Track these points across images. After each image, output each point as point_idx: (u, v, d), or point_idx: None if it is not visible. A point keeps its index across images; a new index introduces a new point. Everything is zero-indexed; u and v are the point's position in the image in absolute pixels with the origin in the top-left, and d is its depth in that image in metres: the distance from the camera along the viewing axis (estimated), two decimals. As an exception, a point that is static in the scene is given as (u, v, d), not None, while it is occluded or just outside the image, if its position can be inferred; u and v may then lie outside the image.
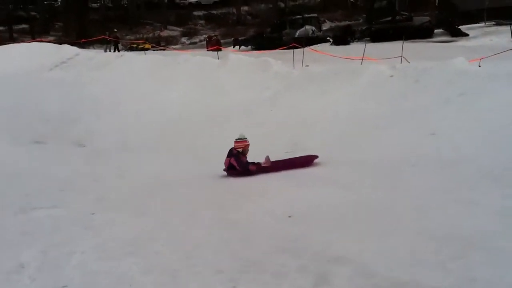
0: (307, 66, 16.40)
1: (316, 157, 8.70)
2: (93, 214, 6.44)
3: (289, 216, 5.91)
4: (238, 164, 8.51)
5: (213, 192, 7.84)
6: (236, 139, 8.86)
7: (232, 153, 8.67)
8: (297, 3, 62.04)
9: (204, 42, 36.87)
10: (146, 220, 6.38)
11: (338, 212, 5.95)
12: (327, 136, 10.42)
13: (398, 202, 6.16)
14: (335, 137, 10.30)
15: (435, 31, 27.83)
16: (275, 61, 16.66)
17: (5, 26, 57.54)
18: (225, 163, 8.70)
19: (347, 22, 44.27)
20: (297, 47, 19.11)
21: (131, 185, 8.36)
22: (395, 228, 5.23)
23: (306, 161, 8.64)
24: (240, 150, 8.71)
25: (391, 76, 12.91)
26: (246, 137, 8.86)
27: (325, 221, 5.67)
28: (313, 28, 32.93)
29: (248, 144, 8.77)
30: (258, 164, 8.60)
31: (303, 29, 31.81)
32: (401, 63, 14.28)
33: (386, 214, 5.70)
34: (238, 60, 17.74)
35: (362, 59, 15.57)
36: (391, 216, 5.63)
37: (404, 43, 15.68)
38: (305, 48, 18.51)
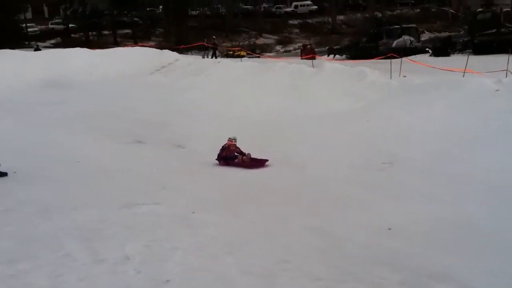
0: (405, 76, 15.99)
1: (267, 160, 10.30)
2: (193, 213, 6.65)
3: (389, 229, 5.77)
4: (219, 153, 10.58)
5: (307, 200, 7.83)
6: (229, 138, 10.74)
7: (223, 146, 10.67)
8: (394, 13, 60.76)
9: (299, 51, 37.04)
10: (240, 222, 6.50)
11: (439, 227, 5.75)
12: (426, 148, 10.07)
13: (504, 221, 5.84)
14: (434, 149, 9.94)
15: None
16: (371, 70, 16.40)
17: (110, 31, 60.93)
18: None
19: (447, 33, 42.76)
20: (394, 57, 18.71)
21: (227, 188, 8.55)
22: (501, 248, 4.97)
23: (257, 164, 10.27)
24: (226, 146, 10.61)
25: (497, 90, 12.30)
26: (236, 138, 10.75)
27: (425, 236, 5.50)
28: (411, 38, 32.11)
29: (234, 145, 10.63)
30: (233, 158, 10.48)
31: (401, 39, 31.14)
32: (506, 77, 13.57)
33: (491, 233, 5.43)
34: (333, 69, 17.64)
35: (464, 72, 14.94)
36: (497, 235, 5.36)
37: (510, 57, 14.89)
38: (403, 59, 18.07)
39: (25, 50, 30.91)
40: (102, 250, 5.27)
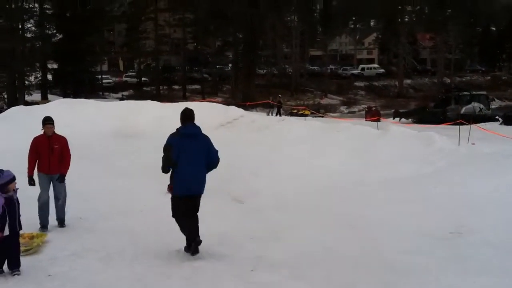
0: (473, 144, 15.55)
1: None
2: (252, 271, 6.57)
3: None
4: None
5: (371, 268, 7.60)
6: None
7: None
8: (463, 79, 59.95)
9: (363, 112, 37.00)
10: (300, 285, 6.35)
11: None
12: (497, 219, 9.59)
13: None
14: (506, 221, 9.46)
15: None
16: (439, 136, 16.04)
17: (180, 85, 63.28)
18: None
19: (518, 102, 41.59)
20: (463, 124, 18.29)
21: (288, 248, 8.42)
22: None
23: None
24: None
25: None
26: None
27: None
28: (481, 105, 31.43)
29: None
30: None
31: (470, 106, 30.57)
32: None
33: None
34: (399, 132, 17.41)
35: (538, 142, 14.39)
36: None
37: None
38: (472, 126, 17.63)
39: (100, 100, 32.41)
40: (161, 302, 5.28)
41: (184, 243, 7.34)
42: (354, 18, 79.85)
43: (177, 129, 6.88)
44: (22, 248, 6.64)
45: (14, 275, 5.98)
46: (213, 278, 6.16)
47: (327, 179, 14.36)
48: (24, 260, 6.44)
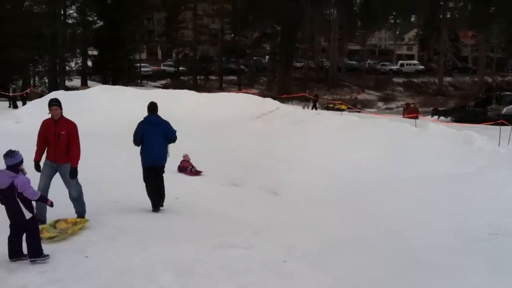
0: (515, 145, 15.15)
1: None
2: (284, 261, 6.58)
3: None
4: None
5: (403, 265, 7.51)
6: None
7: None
8: (505, 79, 58.44)
9: (401, 109, 36.47)
10: (330, 278, 6.33)
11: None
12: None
13: None
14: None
15: None
16: (479, 135, 15.69)
17: (217, 76, 63.61)
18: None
19: None
20: (504, 124, 17.83)
21: (320, 239, 8.42)
22: None
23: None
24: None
25: None
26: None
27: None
28: (524, 106, 30.57)
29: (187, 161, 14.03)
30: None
31: (511, 106, 29.72)
32: None
33: None
34: (438, 130, 17.08)
35: None
36: None
37: None
38: (513, 126, 17.16)
39: (138, 88, 32.81)
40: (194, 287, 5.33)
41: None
42: (394, 13, 78.54)
43: (144, 118, 9.09)
44: (49, 234, 6.76)
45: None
46: (246, 266, 6.19)
47: (360, 174, 14.25)
48: (62, 242, 6.59)
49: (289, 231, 8.82)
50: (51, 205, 6.20)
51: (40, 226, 7.00)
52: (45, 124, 7.56)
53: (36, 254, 5.76)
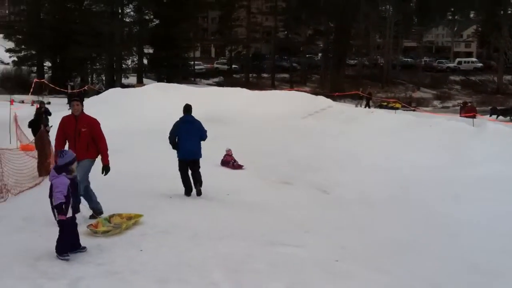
0: None
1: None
2: (336, 261, 6.54)
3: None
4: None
5: (459, 269, 7.33)
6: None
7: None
8: None
9: (458, 108, 35.46)
10: (385, 279, 6.24)
11: None
12: None
13: None
14: None
15: None
16: (540, 136, 15.08)
17: (269, 74, 63.69)
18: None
19: None
20: None
21: (372, 240, 8.31)
22: None
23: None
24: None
25: None
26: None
27: None
28: None
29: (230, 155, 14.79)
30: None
31: None
32: None
33: None
34: (497, 130, 16.51)
35: None
36: None
37: None
38: None
39: (192, 86, 33.26)
40: (246, 284, 5.38)
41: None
42: (452, 9, 76.29)
43: (180, 118, 10.20)
44: (104, 229, 6.93)
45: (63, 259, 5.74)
46: (298, 265, 6.18)
47: (413, 173, 13.97)
48: (118, 236, 6.80)
49: (340, 230, 8.75)
50: (64, 219, 5.82)
51: (96, 220, 7.28)
52: (65, 121, 7.57)
53: (57, 250, 5.83)
